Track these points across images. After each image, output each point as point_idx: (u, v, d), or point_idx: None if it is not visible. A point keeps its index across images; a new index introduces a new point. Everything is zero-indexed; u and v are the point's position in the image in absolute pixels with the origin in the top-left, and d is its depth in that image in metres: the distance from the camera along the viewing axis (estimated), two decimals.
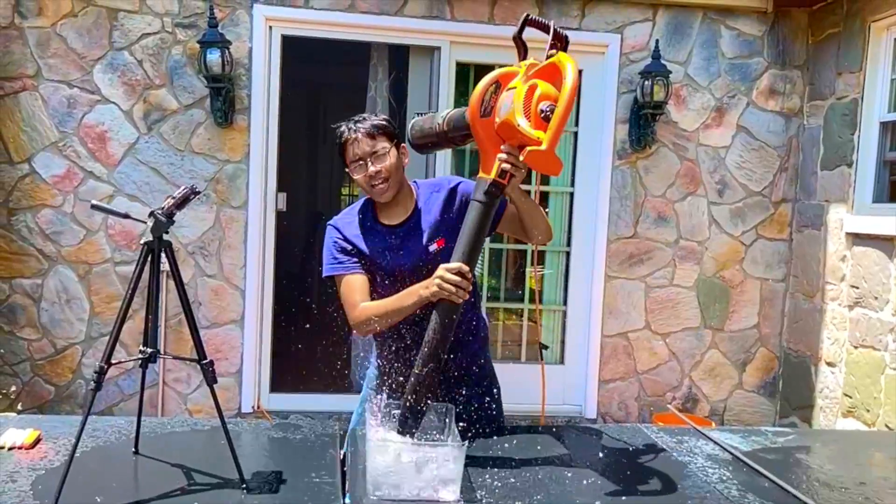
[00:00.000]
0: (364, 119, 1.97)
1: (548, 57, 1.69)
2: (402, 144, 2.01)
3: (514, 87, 1.68)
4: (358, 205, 2.07)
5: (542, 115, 1.60)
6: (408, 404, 1.70)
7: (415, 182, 2.09)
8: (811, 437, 2.64)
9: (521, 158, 1.60)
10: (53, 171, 3.81)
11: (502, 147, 1.70)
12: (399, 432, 1.69)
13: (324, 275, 2.04)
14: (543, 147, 1.56)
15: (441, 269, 1.74)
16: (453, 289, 1.71)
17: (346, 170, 2.01)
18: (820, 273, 4.07)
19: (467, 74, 4.10)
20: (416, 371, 1.70)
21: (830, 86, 4.05)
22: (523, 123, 1.61)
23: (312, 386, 4.25)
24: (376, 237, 2.00)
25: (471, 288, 1.75)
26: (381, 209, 2.03)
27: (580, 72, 4.14)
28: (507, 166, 1.69)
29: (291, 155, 4.43)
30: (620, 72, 4.13)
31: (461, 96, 4.05)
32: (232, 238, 3.95)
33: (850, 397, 3.79)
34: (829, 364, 4.00)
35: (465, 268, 1.72)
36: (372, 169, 1.93)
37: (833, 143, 4.01)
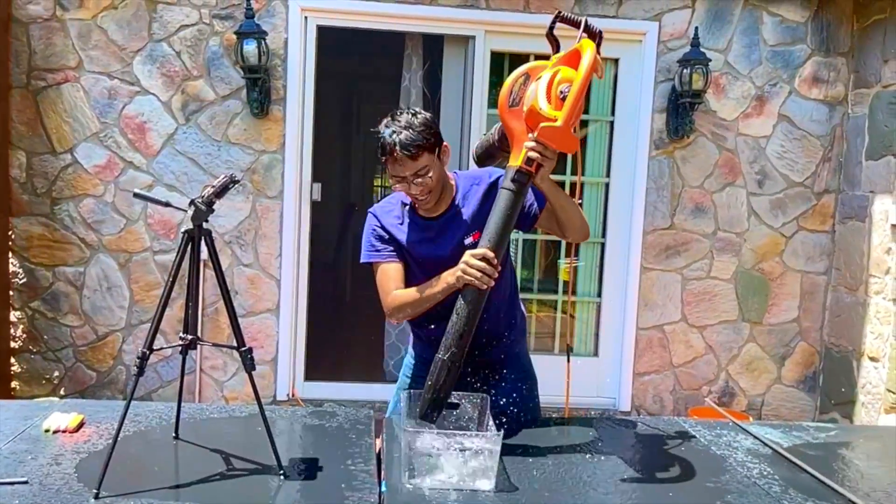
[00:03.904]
0: (406, 128, 1.85)
1: None
2: (445, 144, 1.95)
3: (540, 77, 1.74)
4: (398, 194, 2.06)
5: (561, 95, 1.67)
6: (429, 389, 1.70)
7: (455, 173, 2.07)
8: (854, 433, 2.58)
9: (536, 135, 1.64)
10: (95, 161, 3.88)
11: (529, 135, 1.72)
12: (421, 418, 1.69)
13: (361, 261, 2.06)
14: (558, 123, 1.61)
15: (467, 255, 1.75)
16: (478, 274, 1.71)
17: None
18: (864, 266, 3.97)
19: (502, 63, 4.07)
20: (439, 356, 1.71)
21: (876, 73, 3.94)
22: (544, 105, 1.67)
23: (346, 375, 4.28)
24: (413, 228, 2.00)
25: (496, 274, 1.74)
26: None
27: (616, 60, 4.13)
28: (533, 154, 1.70)
29: (326, 145, 4.45)
30: (658, 60, 4.06)
31: (496, 86, 4.02)
32: (268, 228, 3.98)
33: (894, 393, 3.70)
34: (871, 359, 3.90)
35: (490, 253, 1.72)
36: (414, 190, 1.90)
37: (879, 133, 3.90)
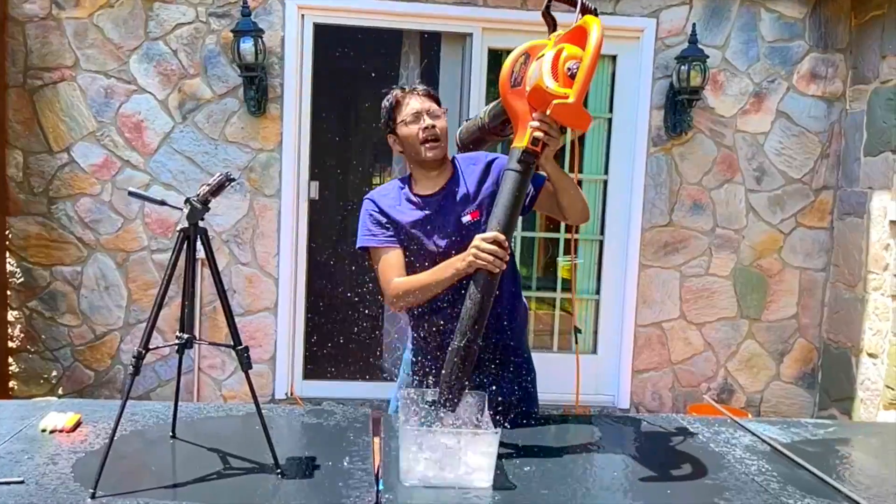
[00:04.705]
0: (417, 84, 2.06)
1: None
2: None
3: (542, 55, 1.70)
4: (395, 180, 2.10)
5: (569, 73, 1.62)
6: (446, 378, 1.68)
7: (453, 157, 2.10)
8: (852, 430, 2.58)
9: (549, 113, 1.61)
10: (92, 161, 3.87)
11: (534, 115, 1.69)
12: (440, 406, 1.68)
13: (357, 246, 2.04)
14: (571, 100, 1.57)
15: (477, 239, 1.73)
16: (490, 258, 1.69)
17: (391, 135, 2.03)
18: (862, 262, 3.97)
19: (499, 61, 4.05)
20: (455, 344, 1.68)
21: (874, 70, 3.93)
22: (550, 84, 1.63)
23: (345, 373, 4.27)
24: (411, 207, 2.01)
25: (508, 257, 1.73)
26: (419, 180, 2.03)
27: (614, 57, 4.12)
28: (539, 134, 1.69)
29: (323, 144, 4.44)
30: (656, 57, 4.05)
31: (493, 83, 4.01)
32: (265, 226, 3.98)
33: (893, 389, 3.70)
34: (870, 355, 3.90)
35: (501, 236, 1.70)
36: (429, 121, 1.97)
37: (877, 129, 3.90)
